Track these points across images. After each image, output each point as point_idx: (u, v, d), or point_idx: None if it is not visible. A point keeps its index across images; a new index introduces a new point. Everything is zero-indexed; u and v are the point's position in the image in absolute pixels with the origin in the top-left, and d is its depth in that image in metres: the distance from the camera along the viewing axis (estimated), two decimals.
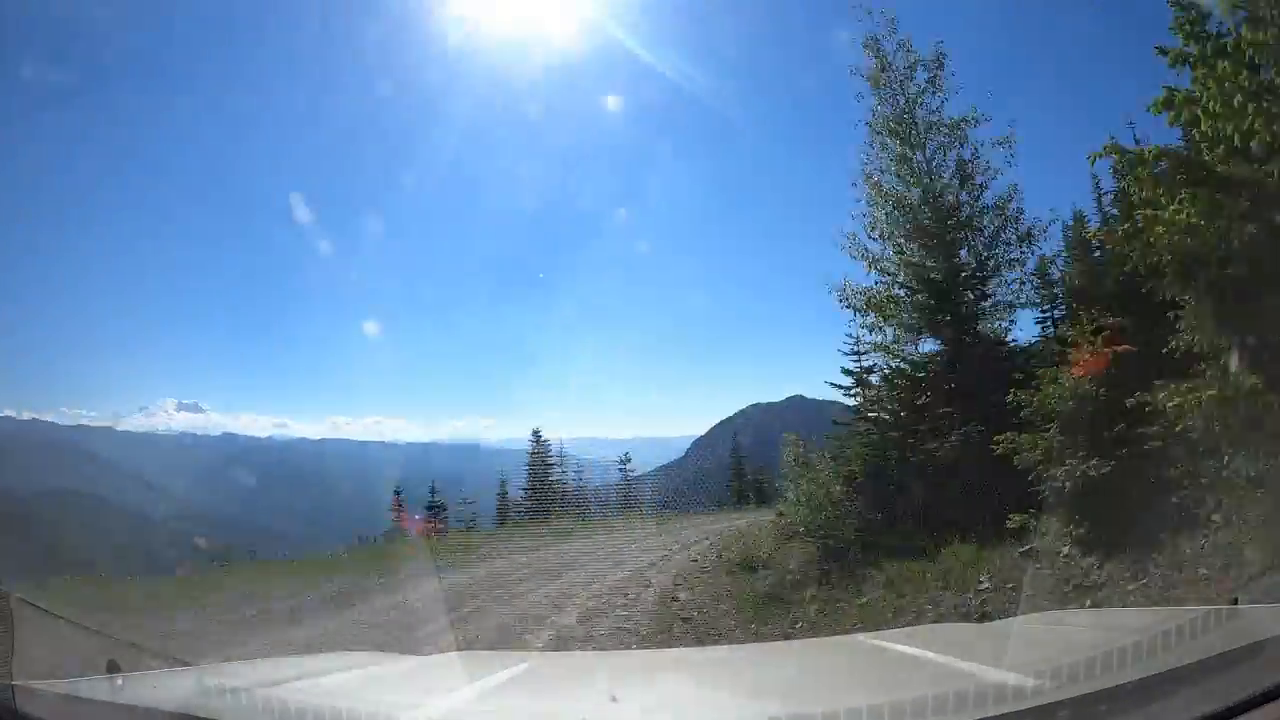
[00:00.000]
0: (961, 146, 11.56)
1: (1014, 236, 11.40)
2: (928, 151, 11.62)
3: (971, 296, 11.45)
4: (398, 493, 24.69)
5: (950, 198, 11.52)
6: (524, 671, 2.32)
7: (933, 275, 11.28)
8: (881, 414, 12.14)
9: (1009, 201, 11.44)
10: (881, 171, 11.90)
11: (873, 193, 11.85)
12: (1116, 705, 1.42)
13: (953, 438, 9.95)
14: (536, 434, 27.63)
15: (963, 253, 11.53)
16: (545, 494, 25.51)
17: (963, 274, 11.37)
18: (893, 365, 12.04)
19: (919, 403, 11.00)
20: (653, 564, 12.49)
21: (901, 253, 11.73)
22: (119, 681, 1.82)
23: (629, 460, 27.50)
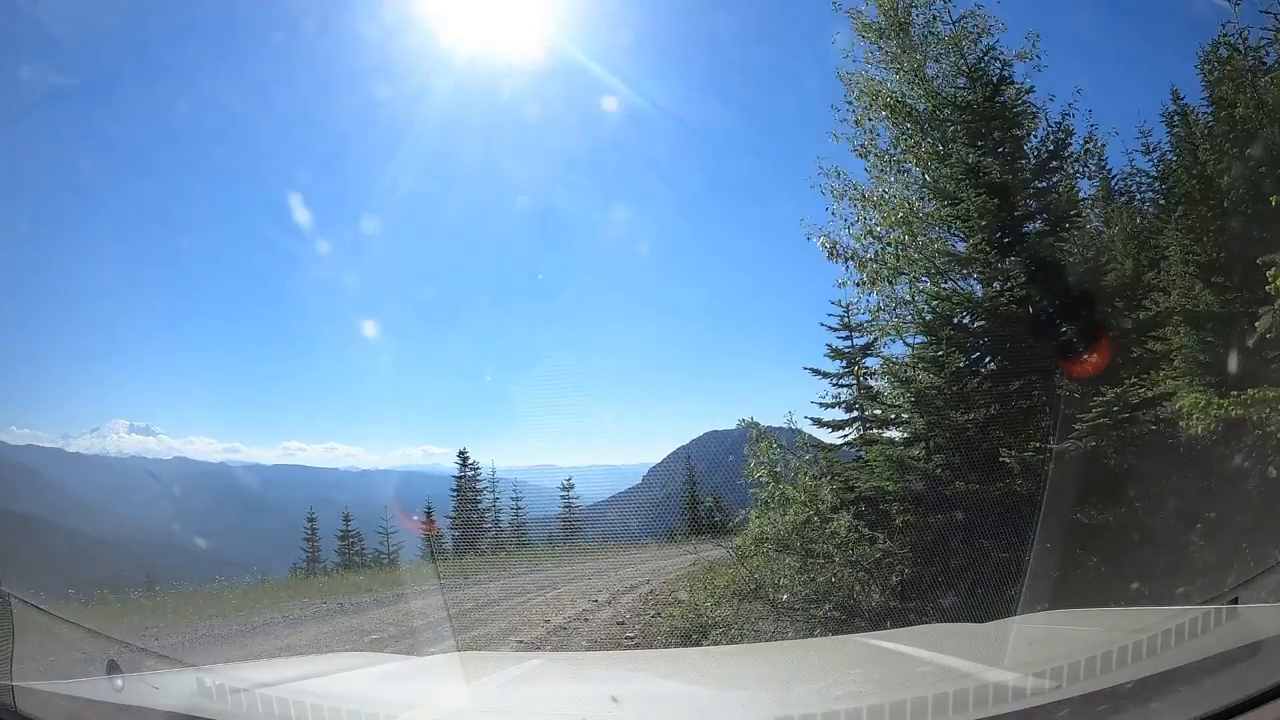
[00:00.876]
0: (979, 54, 9.17)
1: (1055, 146, 8.91)
2: (930, 52, 9.54)
3: (1036, 206, 8.22)
4: (310, 521, 23.18)
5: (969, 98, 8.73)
6: (525, 672, 2.30)
7: (989, 176, 7.99)
8: (912, 399, 8.19)
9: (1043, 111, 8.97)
10: (873, 79, 9.78)
11: (864, 102, 9.74)
12: (1116, 705, 1.42)
13: (1093, 413, 6.48)
14: (463, 456, 24.57)
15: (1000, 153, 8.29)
16: (472, 524, 23.55)
17: (1024, 175, 8.22)
18: (931, 315, 8.22)
19: (983, 369, 7.74)
20: (565, 625, 9.66)
21: (935, 157, 9.01)
22: (119, 682, 1.80)
23: (572, 487, 24.80)
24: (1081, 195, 9.51)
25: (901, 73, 9.75)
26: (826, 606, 7.24)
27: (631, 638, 8.60)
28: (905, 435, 8.48)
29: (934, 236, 9.31)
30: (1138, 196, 10.55)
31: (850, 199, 10.03)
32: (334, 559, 22.17)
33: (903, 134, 9.77)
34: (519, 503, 24.77)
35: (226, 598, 12.96)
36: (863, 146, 10.05)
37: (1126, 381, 6.82)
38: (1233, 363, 6.44)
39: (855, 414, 10.94)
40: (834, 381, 11.23)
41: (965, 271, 8.66)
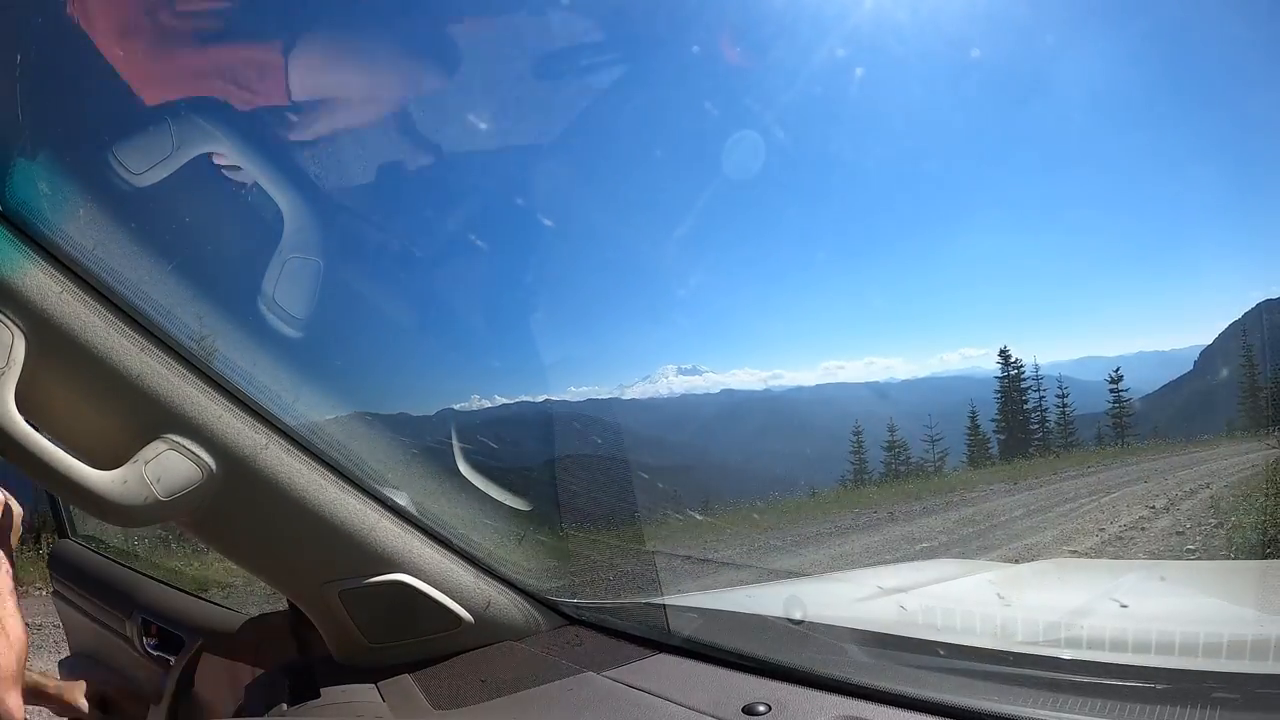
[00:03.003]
0: None
1: None
2: None
3: None
4: (855, 434, 24.67)
5: None
6: (1122, 583, 1.86)
7: None
8: None
9: None
10: None
11: None
12: None
13: None
14: (1004, 354, 24.11)
15: None
16: (1017, 426, 22.91)
17: None
18: None
19: None
20: (1120, 535, 8.57)
21: None
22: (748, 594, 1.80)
23: (1120, 379, 22.24)
24: None
25: None
26: None
27: (1192, 550, 8.52)
28: None
29: None
30: None
31: None
32: (879, 469, 24.45)
33: None
34: (1064, 400, 23.79)
35: (780, 511, 13.39)
36: None
37: None
38: None
39: None
40: None
41: None
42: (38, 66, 1.03)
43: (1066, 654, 1.05)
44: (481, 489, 1.62)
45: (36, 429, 0.97)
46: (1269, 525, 7.80)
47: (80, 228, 1.03)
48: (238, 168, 1.28)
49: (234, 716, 1.41)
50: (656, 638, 1.35)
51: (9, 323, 0.94)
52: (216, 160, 1.24)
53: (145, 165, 1.13)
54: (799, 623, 1.32)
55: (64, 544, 2.49)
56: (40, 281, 0.97)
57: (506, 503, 1.67)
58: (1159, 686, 0.95)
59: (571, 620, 1.47)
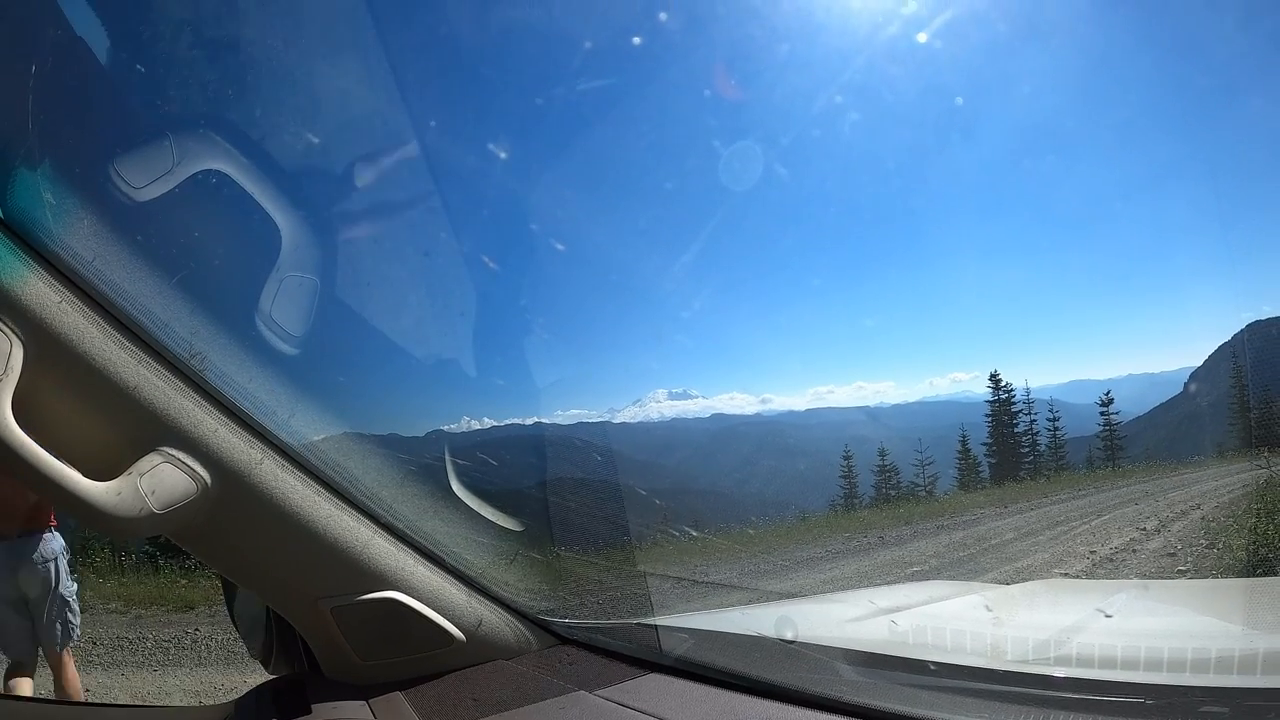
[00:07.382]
0: None
1: None
2: None
3: None
4: (845, 459, 22.69)
5: None
6: (1113, 602, 1.82)
7: None
8: None
9: None
10: None
11: None
12: None
13: None
14: (994, 379, 23.40)
15: None
16: (1008, 450, 22.46)
17: None
18: None
19: None
20: (1111, 557, 8.80)
21: None
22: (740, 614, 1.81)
23: (1110, 402, 22.06)
24: None
25: None
26: None
27: (1184, 571, 8.50)
28: None
29: None
30: None
31: None
32: (870, 493, 24.37)
33: None
34: (1055, 423, 23.67)
35: (770, 535, 13.73)
36: None
37: None
38: None
39: None
40: None
41: None
42: (48, 79, 1.05)
43: (1057, 671, 1.06)
44: (474, 509, 1.61)
45: (32, 437, 0.96)
46: (1259, 545, 7.77)
47: (81, 239, 1.04)
48: (237, 184, 1.29)
49: None
50: (648, 657, 1.34)
51: (8, 331, 0.94)
52: (216, 177, 1.26)
53: (147, 179, 1.14)
54: (791, 642, 1.32)
55: None
56: (40, 291, 0.97)
57: (499, 523, 1.66)
58: (1148, 702, 0.96)
59: (563, 640, 1.46)
